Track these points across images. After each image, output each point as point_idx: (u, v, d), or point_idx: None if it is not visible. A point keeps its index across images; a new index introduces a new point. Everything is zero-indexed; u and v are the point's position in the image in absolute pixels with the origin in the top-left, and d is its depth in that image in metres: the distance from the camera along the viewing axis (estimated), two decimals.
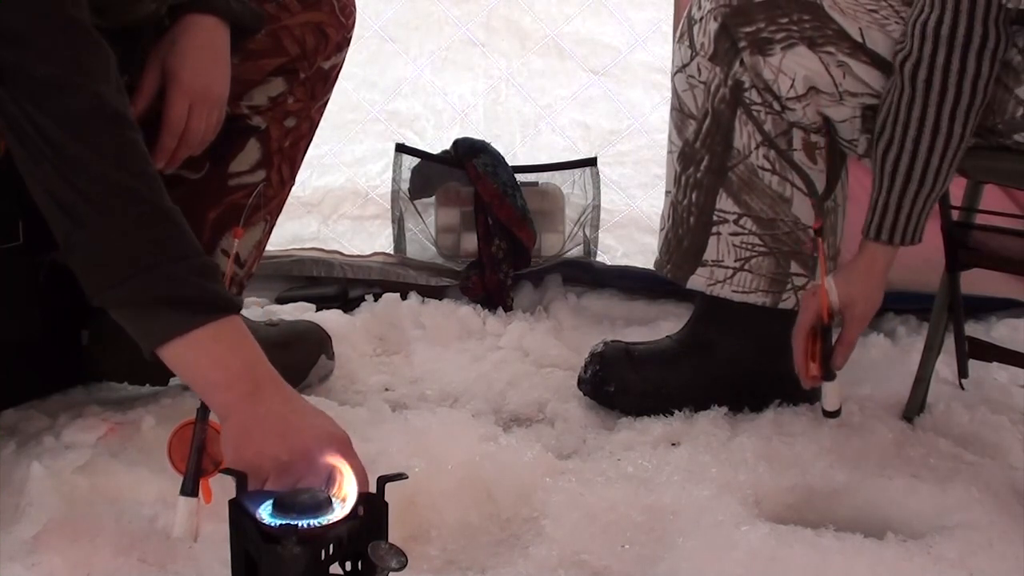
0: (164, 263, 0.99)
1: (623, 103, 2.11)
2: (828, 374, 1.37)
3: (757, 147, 1.43)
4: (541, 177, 2.09)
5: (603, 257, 2.09)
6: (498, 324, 1.85)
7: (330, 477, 0.92)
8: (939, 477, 1.27)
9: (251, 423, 0.96)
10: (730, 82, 1.42)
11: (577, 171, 2.09)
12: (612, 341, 1.58)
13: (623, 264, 2.06)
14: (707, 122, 1.45)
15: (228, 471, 0.92)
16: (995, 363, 1.56)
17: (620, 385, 1.52)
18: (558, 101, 2.13)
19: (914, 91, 1.27)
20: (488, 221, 1.97)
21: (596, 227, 2.09)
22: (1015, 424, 1.45)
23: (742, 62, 1.40)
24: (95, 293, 1.01)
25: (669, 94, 1.53)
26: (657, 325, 1.82)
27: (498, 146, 2.04)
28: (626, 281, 2.00)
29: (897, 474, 1.28)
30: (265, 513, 0.86)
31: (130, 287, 0.98)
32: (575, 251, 2.09)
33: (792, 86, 1.38)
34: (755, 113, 1.42)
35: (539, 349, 1.74)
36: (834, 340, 1.37)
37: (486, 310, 1.91)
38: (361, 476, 0.93)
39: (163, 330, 0.98)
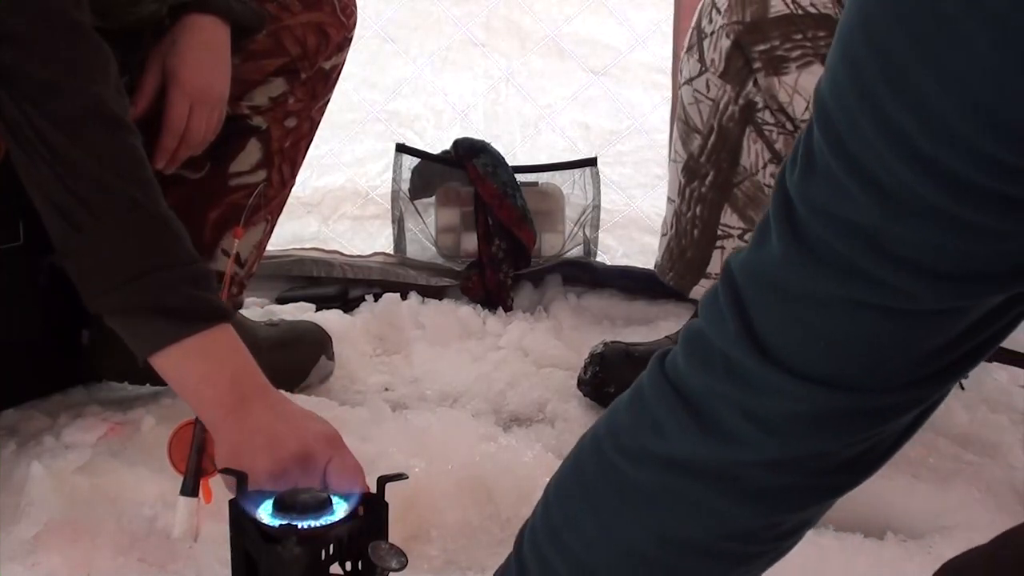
0: (155, 271, 0.98)
1: (623, 103, 2.11)
2: None
3: (765, 165, 1.41)
4: (541, 177, 2.09)
5: (603, 257, 2.09)
6: (498, 324, 1.85)
7: (324, 474, 0.92)
8: (939, 477, 1.27)
9: (238, 440, 0.95)
10: (741, 101, 1.39)
11: (577, 171, 2.09)
12: (612, 342, 1.58)
13: (623, 264, 2.05)
14: (713, 138, 1.43)
15: (228, 471, 0.92)
16: (995, 363, 1.56)
17: (620, 386, 1.49)
18: (558, 101, 2.13)
19: None
20: (488, 221, 1.97)
21: (596, 227, 2.09)
22: (1015, 424, 1.45)
23: (755, 83, 1.37)
24: (88, 299, 1.01)
25: (669, 94, 1.53)
26: (657, 325, 1.82)
27: (498, 146, 2.04)
28: (626, 281, 2.00)
29: (897, 474, 1.28)
30: (265, 513, 0.86)
31: (120, 295, 0.98)
32: (575, 251, 2.08)
33: (807, 108, 1.36)
34: (767, 132, 1.39)
35: (539, 349, 1.74)
36: None
37: (486, 310, 1.90)
38: (355, 469, 0.93)
39: (153, 339, 0.97)
